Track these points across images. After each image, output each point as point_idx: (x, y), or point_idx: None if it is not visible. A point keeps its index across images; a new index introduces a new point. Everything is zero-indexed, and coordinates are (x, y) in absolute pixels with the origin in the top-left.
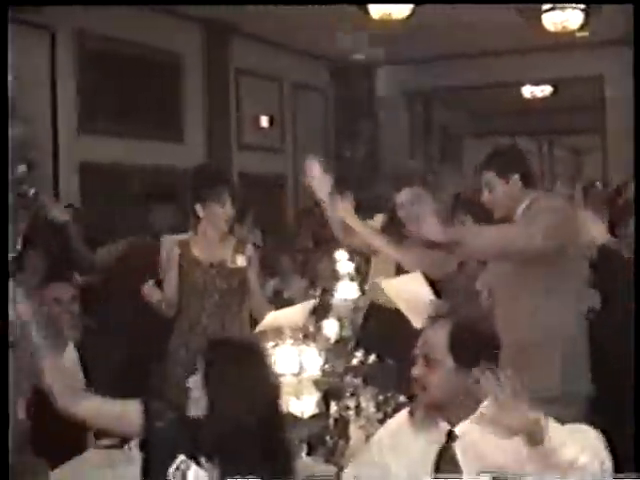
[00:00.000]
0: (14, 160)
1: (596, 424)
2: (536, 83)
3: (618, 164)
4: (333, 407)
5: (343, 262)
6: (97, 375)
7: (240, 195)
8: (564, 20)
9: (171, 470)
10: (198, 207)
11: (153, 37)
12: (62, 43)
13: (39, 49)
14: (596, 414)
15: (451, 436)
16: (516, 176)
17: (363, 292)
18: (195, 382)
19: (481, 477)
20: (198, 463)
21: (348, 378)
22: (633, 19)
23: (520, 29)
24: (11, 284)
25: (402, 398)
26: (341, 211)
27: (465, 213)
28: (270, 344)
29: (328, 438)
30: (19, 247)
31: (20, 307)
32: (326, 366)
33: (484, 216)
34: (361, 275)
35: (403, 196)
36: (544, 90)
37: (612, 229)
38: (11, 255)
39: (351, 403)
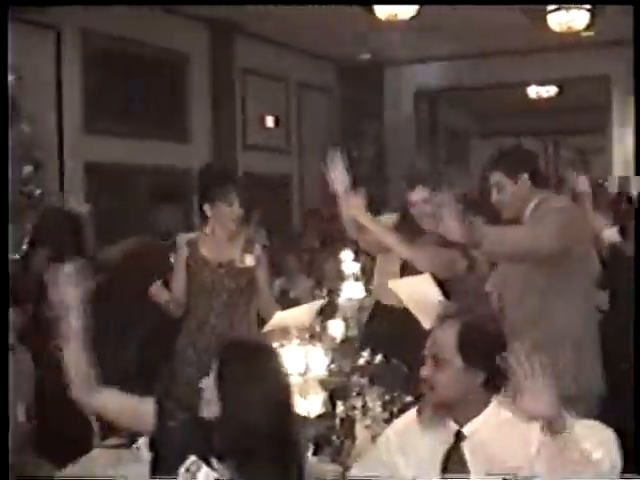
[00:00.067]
0: (20, 160)
1: (608, 423)
2: (541, 83)
3: (623, 164)
4: (339, 407)
5: (349, 262)
6: (103, 375)
7: (246, 195)
8: (569, 20)
9: (181, 470)
10: (206, 207)
11: (158, 37)
12: (67, 43)
13: (44, 49)
14: (607, 413)
15: (459, 436)
16: (525, 176)
17: (369, 292)
18: (208, 383)
19: (491, 478)
20: (209, 464)
21: (354, 378)
22: (633, 19)
23: (525, 29)
24: (68, 266)
25: (408, 398)
26: (353, 208)
27: (474, 214)
28: (276, 344)
29: (334, 438)
30: (25, 247)
31: (70, 291)
32: (332, 366)
33: (492, 216)
34: (366, 275)
35: (417, 194)
36: (549, 90)
37: (621, 229)
38: (17, 255)
39: (357, 403)
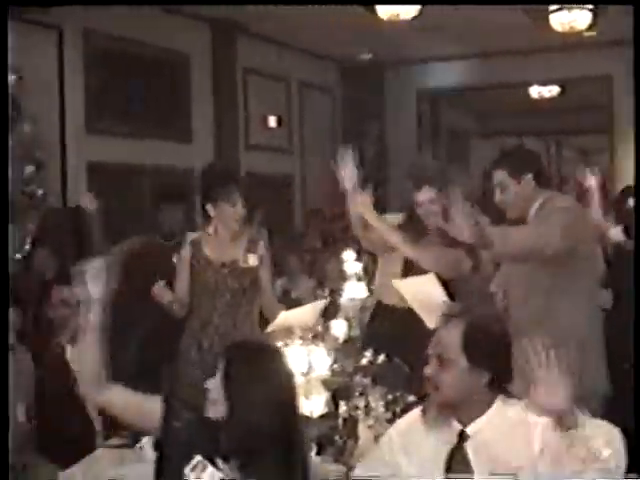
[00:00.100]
0: (22, 160)
1: (614, 423)
2: (544, 83)
3: (626, 164)
4: (342, 407)
5: (351, 262)
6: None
7: (248, 195)
8: (571, 20)
9: (187, 470)
10: (209, 207)
11: (160, 37)
12: (69, 43)
13: (46, 49)
14: (611, 413)
15: (463, 436)
16: (529, 176)
17: (371, 292)
18: (214, 384)
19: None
20: (214, 464)
21: (357, 378)
22: (633, 19)
23: (527, 29)
24: (98, 261)
25: (411, 398)
26: (361, 205)
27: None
28: (279, 344)
29: (337, 438)
30: (28, 247)
31: (96, 285)
32: (335, 366)
33: (496, 216)
34: (368, 275)
35: (423, 194)
36: (551, 90)
37: (625, 228)
38: (20, 255)
39: (360, 403)
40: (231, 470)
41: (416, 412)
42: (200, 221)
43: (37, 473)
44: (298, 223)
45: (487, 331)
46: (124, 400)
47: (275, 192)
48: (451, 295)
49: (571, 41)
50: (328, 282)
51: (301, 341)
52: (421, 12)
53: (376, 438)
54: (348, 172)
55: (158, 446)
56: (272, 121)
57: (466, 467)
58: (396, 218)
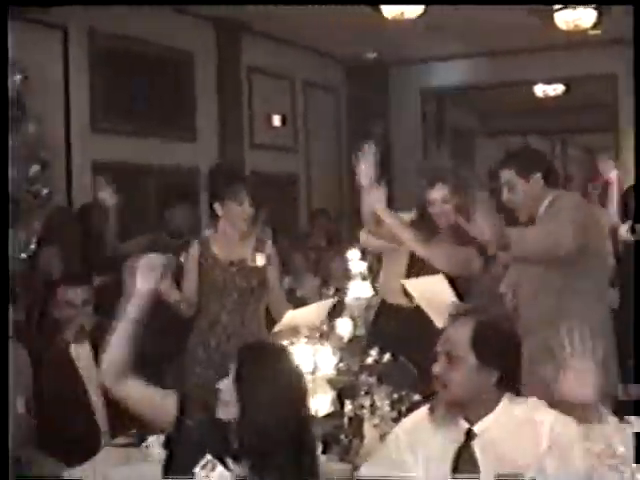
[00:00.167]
0: (27, 160)
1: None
2: (548, 82)
3: (630, 163)
4: (348, 406)
5: (356, 261)
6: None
7: (253, 194)
8: (576, 19)
9: (197, 469)
10: (217, 206)
11: (165, 35)
12: (74, 42)
13: (51, 48)
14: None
15: (470, 434)
16: (537, 175)
17: (376, 291)
18: (226, 385)
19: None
20: (224, 464)
21: (362, 377)
22: (633, 19)
23: (532, 28)
24: (159, 257)
25: (417, 397)
26: (376, 200)
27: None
28: (285, 343)
29: (343, 437)
30: (33, 247)
31: (150, 279)
32: (341, 365)
33: (504, 216)
34: (373, 274)
35: (436, 192)
36: (556, 89)
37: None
38: (25, 254)
39: (365, 402)
40: (242, 471)
41: (423, 410)
42: (205, 220)
43: (41, 469)
44: (303, 222)
45: (497, 329)
46: (142, 394)
47: (280, 191)
48: (460, 296)
49: (576, 40)
50: (333, 281)
51: (306, 340)
52: (425, 11)
53: (382, 437)
54: (367, 168)
55: (168, 444)
56: (276, 120)
57: (473, 466)
58: (406, 216)
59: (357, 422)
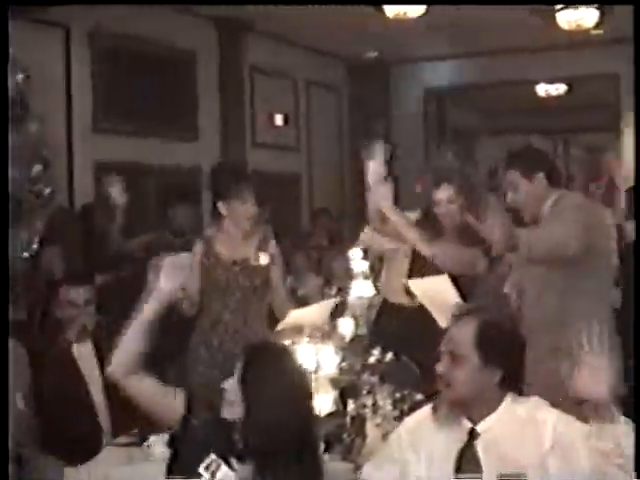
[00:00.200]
0: (29, 159)
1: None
2: (550, 81)
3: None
4: (350, 405)
5: (357, 260)
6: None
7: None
8: (578, 18)
9: (201, 469)
10: (220, 205)
11: (167, 35)
12: (76, 41)
13: (53, 47)
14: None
15: (473, 434)
16: (541, 175)
17: (378, 290)
18: (231, 385)
19: None
20: (228, 464)
21: (365, 376)
22: (633, 19)
23: (534, 27)
24: (187, 257)
25: (419, 396)
26: (383, 198)
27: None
28: (287, 342)
29: (345, 436)
30: (35, 246)
31: (174, 279)
32: (343, 364)
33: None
34: (374, 273)
35: (442, 193)
36: (559, 88)
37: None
38: (27, 254)
39: (368, 401)
40: (246, 470)
41: (426, 410)
42: (207, 219)
43: (42, 467)
44: (305, 221)
45: (501, 329)
46: (151, 391)
47: (282, 190)
48: (464, 297)
49: (578, 39)
50: (335, 280)
51: (309, 339)
52: (427, 11)
53: (384, 436)
54: (376, 166)
55: (172, 443)
56: (278, 119)
57: (475, 466)
58: (412, 215)
59: (359, 421)
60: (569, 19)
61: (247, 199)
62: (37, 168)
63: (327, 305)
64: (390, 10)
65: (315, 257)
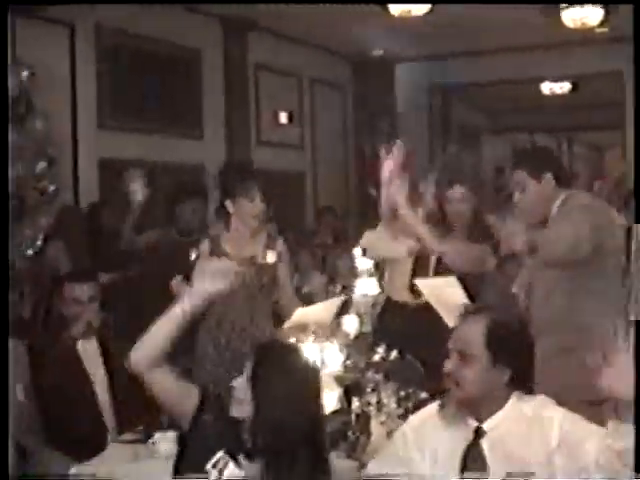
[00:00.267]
0: (34, 156)
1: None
2: (555, 80)
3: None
4: (355, 403)
5: (362, 258)
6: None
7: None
8: (583, 17)
9: (209, 466)
10: (228, 203)
11: (172, 33)
12: (82, 39)
13: (58, 45)
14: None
15: (479, 432)
16: (549, 175)
17: (382, 288)
18: (241, 383)
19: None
20: (236, 461)
21: (369, 374)
22: (633, 19)
23: (539, 26)
24: (226, 263)
25: (423, 394)
26: (397, 193)
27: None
28: (292, 340)
29: (350, 434)
30: (40, 243)
31: (218, 284)
32: (347, 362)
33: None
34: (379, 271)
35: (454, 192)
36: (563, 87)
37: None
38: (32, 251)
39: (372, 399)
40: (254, 468)
41: (432, 408)
42: (212, 217)
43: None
44: (309, 219)
45: (511, 328)
46: (171, 385)
47: (286, 188)
48: (472, 298)
49: (583, 37)
50: (339, 278)
51: (314, 337)
52: (432, 9)
53: (388, 434)
54: (393, 163)
55: (181, 439)
56: (283, 117)
57: (481, 464)
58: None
59: (364, 419)
60: (574, 17)
61: (255, 197)
62: (42, 165)
63: (333, 303)
64: (395, 8)
65: (320, 255)
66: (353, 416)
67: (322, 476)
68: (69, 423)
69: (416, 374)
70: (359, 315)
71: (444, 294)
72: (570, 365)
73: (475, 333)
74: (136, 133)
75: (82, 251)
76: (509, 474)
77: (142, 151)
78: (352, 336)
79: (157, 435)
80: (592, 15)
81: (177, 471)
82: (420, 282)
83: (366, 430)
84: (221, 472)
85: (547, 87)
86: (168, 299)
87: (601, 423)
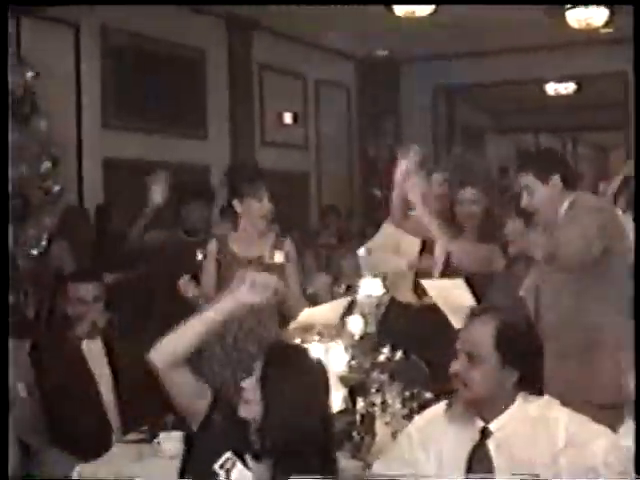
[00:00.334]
0: (39, 156)
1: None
2: (560, 80)
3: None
4: (359, 403)
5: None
6: (127, 369)
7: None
8: (588, 17)
9: (216, 466)
10: (236, 203)
11: (176, 33)
12: (86, 39)
13: (63, 45)
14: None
15: (485, 433)
16: (556, 177)
17: (387, 289)
18: (250, 384)
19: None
20: (243, 461)
21: (374, 374)
22: (633, 19)
23: (543, 26)
24: (267, 276)
25: (428, 394)
26: (413, 190)
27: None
28: (297, 341)
29: (355, 434)
30: (44, 243)
31: (259, 296)
32: (352, 362)
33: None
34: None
35: (466, 194)
36: (568, 87)
37: None
38: (36, 251)
39: (377, 399)
40: (261, 469)
41: (437, 408)
42: (218, 217)
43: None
44: (314, 219)
45: (520, 330)
46: (189, 384)
47: (290, 189)
48: (479, 300)
49: (587, 38)
50: (344, 278)
51: (319, 338)
52: (437, 9)
53: (393, 435)
54: (408, 164)
55: (189, 440)
56: (288, 118)
57: (487, 465)
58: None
59: (369, 419)
60: (579, 18)
61: (263, 197)
62: (46, 165)
63: (340, 304)
64: (399, 9)
65: (324, 255)
66: (358, 416)
67: (330, 476)
68: (74, 423)
69: (421, 374)
70: (364, 315)
71: (451, 295)
72: (578, 367)
73: (484, 334)
74: (140, 133)
75: (86, 251)
76: (515, 475)
77: (146, 151)
78: (357, 336)
79: (162, 435)
80: (597, 16)
81: (184, 471)
82: (427, 283)
83: (371, 430)
84: (228, 473)
85: (552, 88)
86: (174, 299)
87: (610, 427)
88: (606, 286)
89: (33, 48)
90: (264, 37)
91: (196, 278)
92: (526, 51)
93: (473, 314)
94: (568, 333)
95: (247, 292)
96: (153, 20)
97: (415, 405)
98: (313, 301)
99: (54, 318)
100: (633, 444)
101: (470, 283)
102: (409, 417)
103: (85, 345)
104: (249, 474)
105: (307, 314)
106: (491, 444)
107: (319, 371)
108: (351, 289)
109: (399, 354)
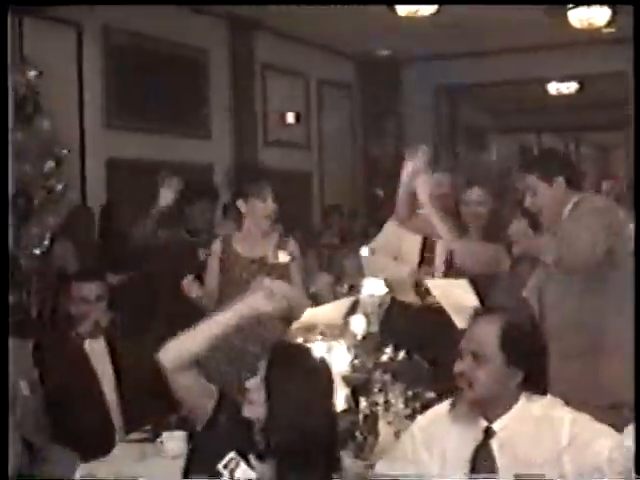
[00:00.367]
0: (42, 155)
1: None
2: (562, 80)
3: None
4: (362, 403)
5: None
6: (130, 368)
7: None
8: (590, 17)
9: (220, 466)
10: (240, 202)
11: (179, 33)
12: (88, 39)
13: (65, 45)
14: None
15: (488, 432)
16: (560, 178)
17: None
18: (254, 385)
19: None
20: (247, 461)
21: (377, 374)
22: (633, 19)
23: (545, 26)
24: (282, 285)
25: (430, 394)
26: (418, 186)
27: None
28: (300, 340)
29: (357, 434)
30: (47, 242)
31: (273, 304)
32: (355, 362)
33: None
34: None
35: (473, 194)
36: (570, 87)
37: None
38: (39, 250)
39: (379, 399)
40: (265, 469)
41: (440, 408)
42: (220, 217)
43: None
44: (316, 219)
45: (524, 330)
46: (197, 386)
47: (293, 188)
48: (482, 301)
49: (589, 37)
50: (346, 278)
51: (321, 337)
52: (439, 9)
53: (396, 434)
54: (416, 163)
55: (192, 439)
56: (290, 117)
57: (490, 464)
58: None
59: (372, 419)
60: (581, 17)
61: (267, 197)
62: (49, 164)
63: (343, 304)
64: (402, 9)
65: (326, 255)
66: (361, 416)
67: (335, 476)
68: (77, 422)
69: (423, 374)
70: (366, 315)
71: (455, 295)
72: (582, 367)
73: (489, 334)
74: (142, 133)
75: (89, 250)
76: (518, 475)
77: (149, 151)
78: (359, 336)
79: (165, 434)
80: (599, 15)
81: (187, 471)
82: (431, 283)
83: (374, 430)
84: (232, 472)
85: (554, 87)
86: (177, 299)
87: (614, 427)
88: (609, 287)
89: (36, 48)
90: (266, 37)
91: (200, 278)
92: (527, 51)
93: (478, 314)
94: (572, 334)
95: (264, 299)
96: (155, 21)
97: (418, 405)
98: (315, 301)
99: (57, 317)
100: (633, 444)
101: (473, 284)
102: (412, 417)
103: (88, 344)
104: (253, 474)
105: (310, 314)
106: (494, 444)
107: (323, 370)
108: (354, 289)
109: (402, 354)
